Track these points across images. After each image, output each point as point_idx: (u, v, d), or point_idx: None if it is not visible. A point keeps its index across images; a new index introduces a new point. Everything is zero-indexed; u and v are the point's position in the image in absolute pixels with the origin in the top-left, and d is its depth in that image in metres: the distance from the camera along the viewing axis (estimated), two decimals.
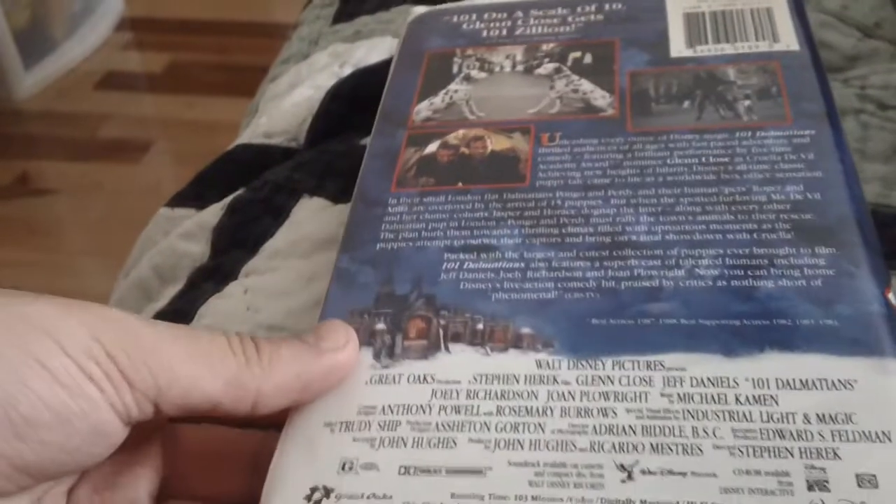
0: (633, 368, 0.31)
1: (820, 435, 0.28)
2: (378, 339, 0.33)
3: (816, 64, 0.41)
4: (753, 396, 0.29)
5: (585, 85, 0.43)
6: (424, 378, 0.32)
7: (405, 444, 0.30)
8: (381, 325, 0.34)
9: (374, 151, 0.42)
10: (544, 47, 0.46)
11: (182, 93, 1.85)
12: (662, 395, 0.30)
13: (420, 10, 0.50)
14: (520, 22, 0.48)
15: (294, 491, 0.29)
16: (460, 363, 0.32)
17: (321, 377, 0.31)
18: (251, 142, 0.58)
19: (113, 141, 1.74)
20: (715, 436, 0.28)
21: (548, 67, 0.44)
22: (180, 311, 0.45)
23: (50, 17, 1.89)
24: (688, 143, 0.38)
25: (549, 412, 0.30)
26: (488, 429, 0.30)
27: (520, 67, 0.45)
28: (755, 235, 0.34)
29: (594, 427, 0.29)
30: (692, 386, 0.30)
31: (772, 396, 0.29)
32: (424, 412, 0.31)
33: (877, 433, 0.28)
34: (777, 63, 0.41)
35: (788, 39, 0.42)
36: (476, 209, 0.37)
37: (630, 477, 0.28)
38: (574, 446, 0.29)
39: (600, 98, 0.42)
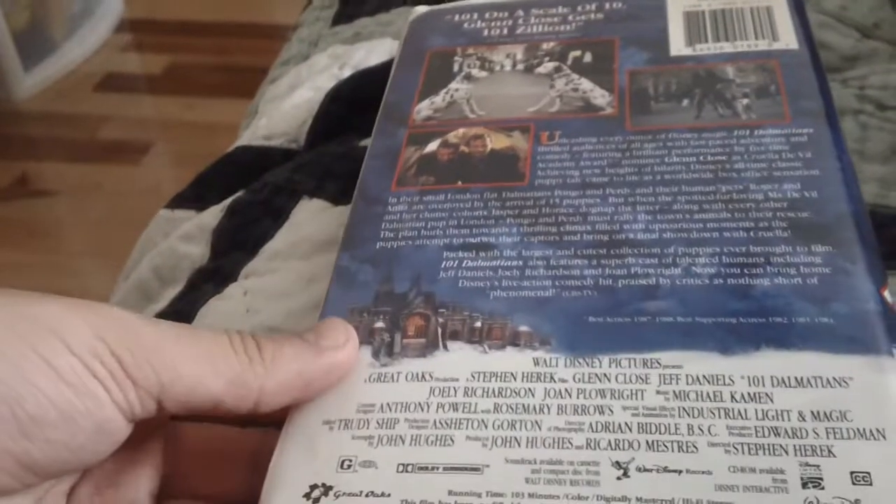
0: (630, 366, 0.31)
1: (815, 432, 0.28)
2: (377, 338, 0.33)
3: (815, 63, 0.41)
4: (749, 394, 0.29)
5: (585, 84, 0.43)
6: (423, 376, 0.32)
7: (403, 442, 0.30)
8: (380, 324, 0.34)
9: (375, 150, 0.42)
10: (544, 46, 0.46)
11: (182, 94, 1.86)
12: (658, 392, 0.30)
13: (421, 9, 0.50)
14: (520, 21, 0.48)
15: (293, 489, 0.30)
16: (458, 361, 0.32)
17: (322, 375, 0.31)
18: (251, 144, 0.58)
19: (113, 142, 1.75)
20: (710, 433, 0.29)
21: (548, 66, 0.44)
22: (180, 313, 0.45)
23: (49, 19, 1.89)
24: (686, 142, 0.38)
25: (545, 410, 0.30)
26: (486, 426, 0.30)
27: (520, 66, 0.45)
28: (752, 233, 0.34)
29: (590, 424, 0.29)
30: (688, 384, 0.30)
31: (767, 394, 0.29)
32: (423, 410, 0.31)
33: (871, 431, 0.28)
34: (776, 62, 0.41)
35: (788, 38, 0.43)
36: (475, 208, 0.37)
37: (626, 474, 0.28)
38: (570, 444, 0.29)
39: (600, 97, 0.42)
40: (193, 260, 0.50)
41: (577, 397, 0.30)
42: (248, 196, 0.51)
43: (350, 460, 0.30)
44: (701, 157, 0.37)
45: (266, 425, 0.33)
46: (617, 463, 0.28)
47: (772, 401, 0.29)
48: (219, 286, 0.46)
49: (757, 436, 0.28)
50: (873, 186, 0.43)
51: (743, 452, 0.28)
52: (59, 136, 1.77)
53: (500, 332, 0.33)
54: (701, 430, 0.29)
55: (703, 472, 0.28)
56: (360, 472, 0.29)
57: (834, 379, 0.29)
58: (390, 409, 0.31)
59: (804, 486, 0.27)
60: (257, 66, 1.09)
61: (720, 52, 0.43)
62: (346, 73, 0.59)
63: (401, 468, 0.29)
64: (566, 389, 0.31)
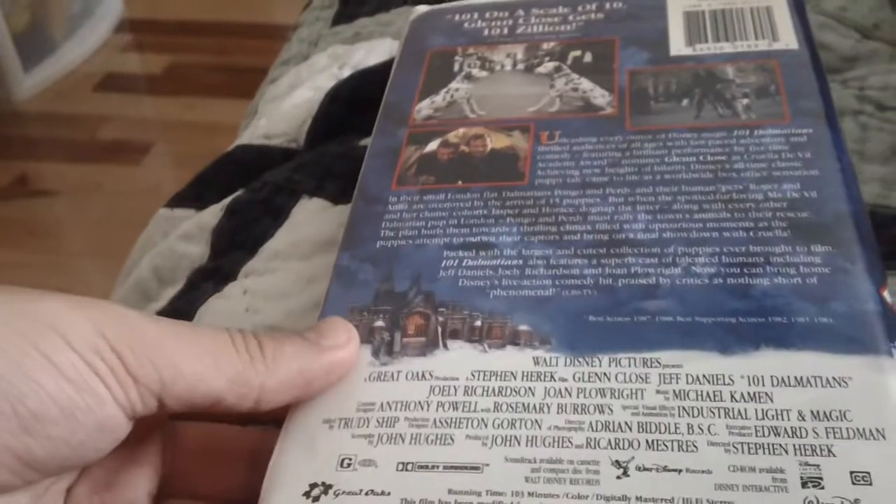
0: (630, 365, 0.31)
1: (814, 432, 0.28)
2: (377, 337, 0.33)
3: (815, 63, 0.41)
4: (749, 393, 0.29)
5: (585, 83, 0.43)
6: (423, 375, 0.32)
7: (403, 441, 0.30)
8: (380, 323, 0.34)
9: (376, 150, 0.42)
10: (545, 46, 0.46)
11: (182, 94, 1.86)
12: (658, 391, 0.30)
13: (422, 8, 0.50)
14: (521, 21, 0.48)
15: (293, 487, 0.30)
16: (458, 360, 0.32)
17: (323, 374, 0.31)
18: (251, 142, 0.58)
19: (112, 142, 1.75)
20: (710, 433, 0.29)
21: (548, 66, 0.44)
22: (180, 312, 0.45)
23: (49, 19, 1.89)
24: (686, 142, 0.38)
25: (545, 409, 0.30)
26: (485, 425, 0.30)
27: (520, 66, 0.45)
28: (751, 233, 0.34)
29: (590, 424, 0.29)
30: (688, 383, 0.30)
31: (767, 394, 0.29)
32: (422, 409, 0.31)
33: (871, 430, 0.28)
34: (776, 62, 0.42)
35: (788, 38, 0.43)
36: (475, 207, 0.38)
37: (626, 473, 0.28)
38: (570, 443, 0.29)
39: (600, 96, 0.42)
40: (193, 259, 0.50)
41: (577, 396, 0.30)
42: (248, 195, 0.51)
43: (350, 459, 0.30)
44: (701, 157, 0.37)
45: (265, 423, 0.33)
46: (617, 462, 0.28)
47: (771, 400, 0.29)
48: (218, 285, 0.46)
49: (757, 435, 0.28)
50: (874, 187, 0.43)
51: (743, 452, 0.28)
52: (58, 136, 1.77)
53: (500, 331, 0.33)
54: (701, 429, 0.29)
55: (702, 472, 0.28)
56: (360, 471, 0.29)
57: (833, 379, 0.29)
58: (390, 408, 0.31)
59: (804, 485, 0.27)
60: (257, 67, 1.09)
61: (720, 52, 0.43)
62: (346, 72, 0.59)
63: (400, 467, 0.29)
64: (566, 388, 0.31)
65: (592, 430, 0.29)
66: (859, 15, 0.53)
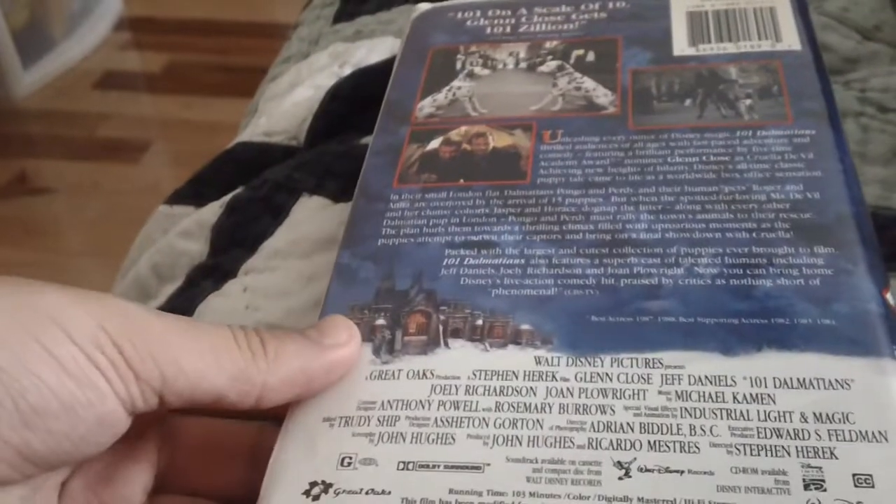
0: (632, 366, 0.31)
1: (817, 434, 0.28)
2: (378, 335, 0.33)
3: (818, 64, 0.41)
4: (751, 395, 0.29)
5: (588, 83, 0.43)
6: (424, 373, 0.32)
7: (404, 440, 0.30)
8: (381, 321, 0.34)
9: (377, 147, 0.42)
10: (547, 45, 0.46)
11: (181, 93, 1.86)
12: (660, 392, 0.30)
13: (424, 6, 0.50)
14: (523, 19, 0.48)
15: (293, 486, 0.29)
16: (459, 359, 0.32)
17: (324, 373, 0.31)
18: (251, 140, 0.58)
19: (111, 140, 1.75)
20: (712, 434, 0.28)
21: (551, 65, 0.44)
22: (178, 309, 0.45)
23: (49, 17, 1.89)
24: (689, 142, 0.38)
25: (547, 408, 0.30)
26: (487, 425, 0.30)
27: (523, 65, 0.45)
28: (754, 234, 0.34)
29: (592, 424, 0.29)
30: (690, 384, 0.30)
31: (769, 395, 0.29)
32: (423, 408, 0.31)
33: (873, 433, 0.28)
34: (779, 62, 0.41)
35: (791, 39, 0.43)
36: (477, 206, 0.37)
37: (627, 474, 0.28)
38: (572, 443, 0.29)
39: (602, 96, 0.42)
40: (192, 256, 0.50)
41: (579, 396, 0.30)
42: (248, 193, 0.51)
43: (350, 458, 0.30)
44: (703, 158, 0.37)
45: (265, 419, 0.33)
46: (619, 463, 0.28)
47: (774, 402, 0.29)
48: (218, 283, 0.46)
49: (759, 437, 0.28)
50: (875, 188, 0.43)
51: (745, 453, 0.28)
52: (57, 134, 1.77)
53: (501, 330, 0.33)
54: (703, 430, 0.29)
55: (704, 473, 0.28)
56: (361, 470, 0.29)
57: (836, 381, 0.29)
58: (391, 407, 0.31)
59: (806, 487, 0.27)
60: (257, 66, 1.09)
61: (723, 53, 0.43)
62: (347, 71, 0.59)
63: (401, 466, 0.29)
64: (568, 388, 0.30)
65: (594, 431, 0.29)
66: (861, 16, 0.53)
